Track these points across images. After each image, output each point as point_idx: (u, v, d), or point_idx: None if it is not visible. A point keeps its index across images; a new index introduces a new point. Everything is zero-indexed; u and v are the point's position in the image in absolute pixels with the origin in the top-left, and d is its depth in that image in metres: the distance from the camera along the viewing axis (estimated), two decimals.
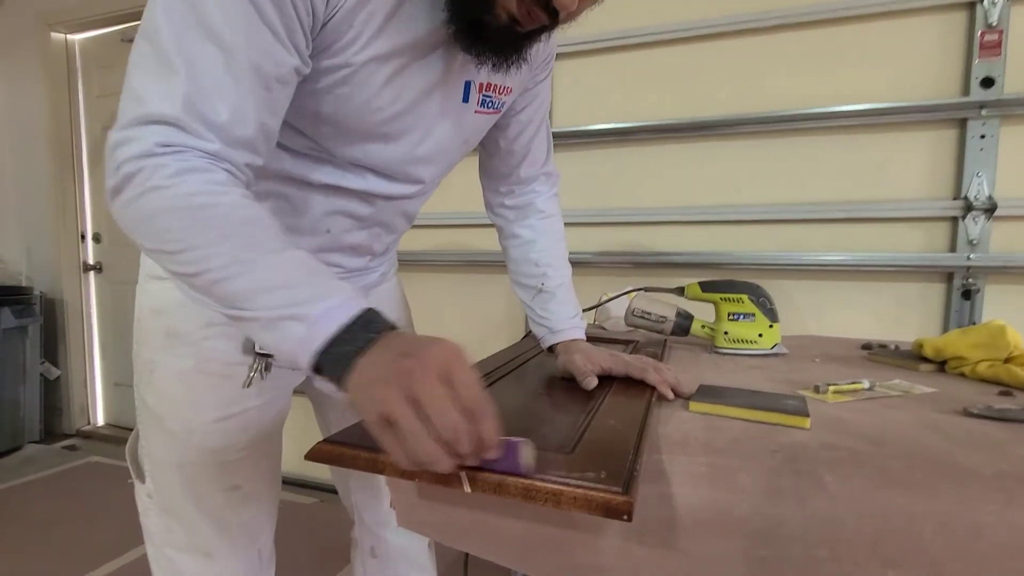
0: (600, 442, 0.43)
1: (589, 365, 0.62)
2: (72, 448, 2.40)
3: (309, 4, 0.43)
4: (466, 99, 0.59)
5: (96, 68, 2.45)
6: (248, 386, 0.61)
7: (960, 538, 0.39)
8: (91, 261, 2.52)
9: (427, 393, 0.32)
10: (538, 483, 0.35)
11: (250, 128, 0.43)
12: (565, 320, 0.73)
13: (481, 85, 0.59)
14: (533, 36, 0.49)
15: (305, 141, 0.54)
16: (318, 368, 0.38)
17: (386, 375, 0.34)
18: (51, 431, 2.53)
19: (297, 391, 0.71)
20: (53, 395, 2.53)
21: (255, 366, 0.61)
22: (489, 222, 0.82)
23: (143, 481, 0.65)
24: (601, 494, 0.34)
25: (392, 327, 0.39)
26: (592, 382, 0.60)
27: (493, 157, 0.75)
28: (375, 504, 0.82)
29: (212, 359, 0.59)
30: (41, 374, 2.45)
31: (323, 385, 0.39)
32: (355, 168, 0.57)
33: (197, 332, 0.59)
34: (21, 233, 2.53)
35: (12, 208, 2.55)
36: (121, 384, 2.56)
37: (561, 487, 0.35)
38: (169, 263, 0.41)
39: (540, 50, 0.66)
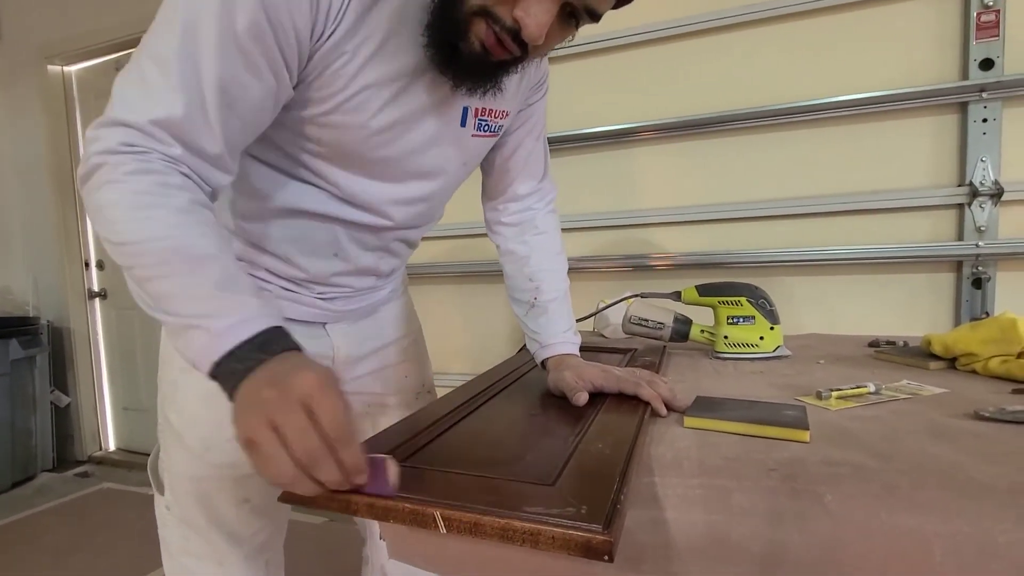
0: (585, 470, 0.41)
1: (580, 382, 0.61)
2: (85, 475, 2.41)
3: (293, 34, 0.45)
4: (464, 123, 0.62)
5: (93, 98, 2.48)
6: None
7: (973, 560, 0.36)
8: (96, 288, 2.54)
9: (284, 422, 0.35)
10: (515, 522, 0.33)
11: (216, 144, 0.46)
12: (557, 335, 0.72)
13: (477, 110, 0.62)
14: (506, 66, 0.51)
15: (308, 172, 0.57)
16: (215, 378, 0.41)
17: (254, 401, 0.37)
18: (64, 459, 2.55)
19: None
20: (64, 423, 2.55)
21: None
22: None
23: (163, 493, 0.67)
24: (580, 533, 0.32)
25: (292, 348, 0.42)
26: (582, 398, 0.59)
27: (490, 176, 0.78)
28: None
29: None
30: (51, 403, 2.47)
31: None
32: (357, 196, 0.59)
33: None
34: (27, 263, 2.56)
35: (18, 239, 2.58)
36: (130, 409, 2.57)
37: (539, 526, 0.33)
38: (113, 253, 0.44)
39: (532, 73, 0.68)
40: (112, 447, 2.63)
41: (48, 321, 2.49)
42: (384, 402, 0.79)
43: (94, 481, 2.32)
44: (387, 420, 0.77)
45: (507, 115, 0.66)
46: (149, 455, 0.71)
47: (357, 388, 0.75)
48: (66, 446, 2.56)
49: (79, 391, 2.54)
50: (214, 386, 0.55)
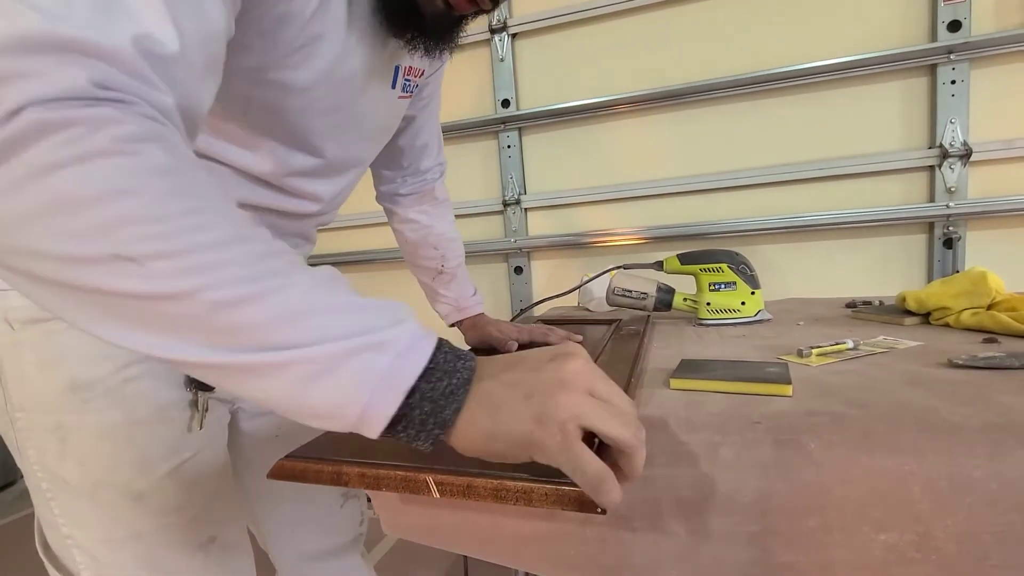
0: None
1: (503, 335, 0.70)
2: None
3: None
4: (394, 84, 0.57)
5: None
6: (201, 428, 0.53)
7: (948, 496, 0.38)
8: None
9: (601, 387, 0.30)
10: (507, 482, 0.34)
11: (207, 95, 0.33)
12: (468, 298, 0.81)
13: (406, 69, 0.57)
14: (465, 20, 0.48)
15: (230, 148, 0.49)
16: (403, 410, 0.28)
17: (539, 396, 0.29)
18: None
19: None
20: None
21: (201, 402, 0.53)
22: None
23: None
24: (573, 488, 0.32)
25: (447, 346, 0.32)
26: (513, 346, 0.68)
27: (394, 150, 0.77)
28: (298, 536, 0.73)
29: (141, 404, 0.49)
30: None
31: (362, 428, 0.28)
32: (285, 179, 0.52)
33: (113, 376, 0.47)
34: None
35: None
36: None
37: (531, 484, 0.33)
38: (116, 276, 0.25)
39: None
40: None
41: None
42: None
43: None
44: (304, 433, 0.66)
45: (422, 74, 0.61)
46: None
47: (263, 407, 0.66)
48: None
49: None
50: (122, 416, 0.47)
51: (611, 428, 0.29)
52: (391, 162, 0.79)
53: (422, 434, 0.29)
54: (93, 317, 0.26)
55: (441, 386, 0.29)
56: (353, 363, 0.27)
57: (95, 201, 0.24)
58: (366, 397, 0.27)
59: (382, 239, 1.70)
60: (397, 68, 0.56)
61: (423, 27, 0.46)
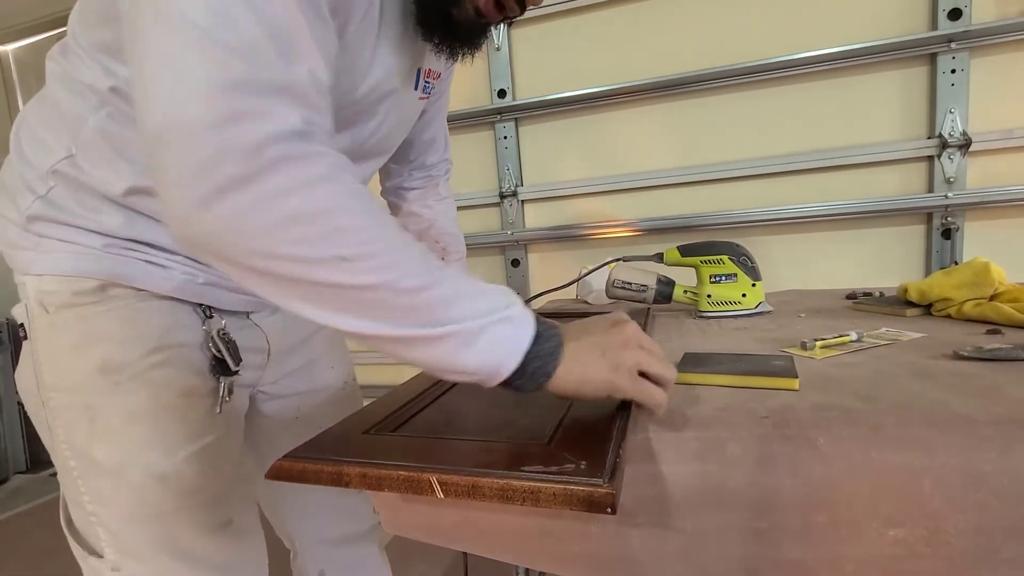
0: (581, 428, 0.41)
1: None
2: None
3: None
4: (416, 87, 0.59)
5: (34, 78, 2.32)
6: (220, 411, 0.55)
7: (959, 490, 0.37)
8: None
9: (647, 363, 0.41)
10: (514, 482, 0.33)
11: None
12: None
13: (427, 71, 0.59)
14: (492, 26, 0.52)
15: None
16: (522, 366, 0.37)
17: (608, 350, 0.40)
18: (37, 459, 2.47)
19: None
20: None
21: (223, 387, 0.55)
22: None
23: (100, 555, 0.52)
24: (581, 488, 0.31)
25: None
26: None
27: (405, 144, 0.77)
28: (320, 520, 0.76)
29: (167, 388, 0.51)
30: (18, 403, 2.38)
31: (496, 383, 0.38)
32: None
33: (142, 361, 0.50)
34: None
35: None
36: None
37: (539, 484, 0.32)
38: (335, 270, 0.33)
39: None
40: None
41: (7, 319, 2.37)
42: (315, 399, 0.73)
43: None
44: (322, 415, 0.72)
45: (439, 76, 0.63)
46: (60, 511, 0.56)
47: (285, 389, 0.69)
48: (38, 446, 2.47)
49: None
50: (148, 399, 0.50)
51: (659, 370, 0.42)
52: (399, 156, 0.79)
53: (530, 382, 0.38)
54: (312, 303, 0.34)
55: (546, 347, 0.38)
56: (490, 333, 0.36)
57: (320, 215, 0.32)
58: (499, 358, 0.37)
59: None
60: (419, 71, 0.58)
61: (454, 33, 0.50)
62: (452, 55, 0.52)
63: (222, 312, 0.56)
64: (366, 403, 0.70)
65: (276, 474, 0.38)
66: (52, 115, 0.49)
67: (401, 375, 1.48)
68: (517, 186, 1.54)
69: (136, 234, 0.49)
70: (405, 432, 0.43)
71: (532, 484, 0.32)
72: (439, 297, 0.35)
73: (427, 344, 0.35)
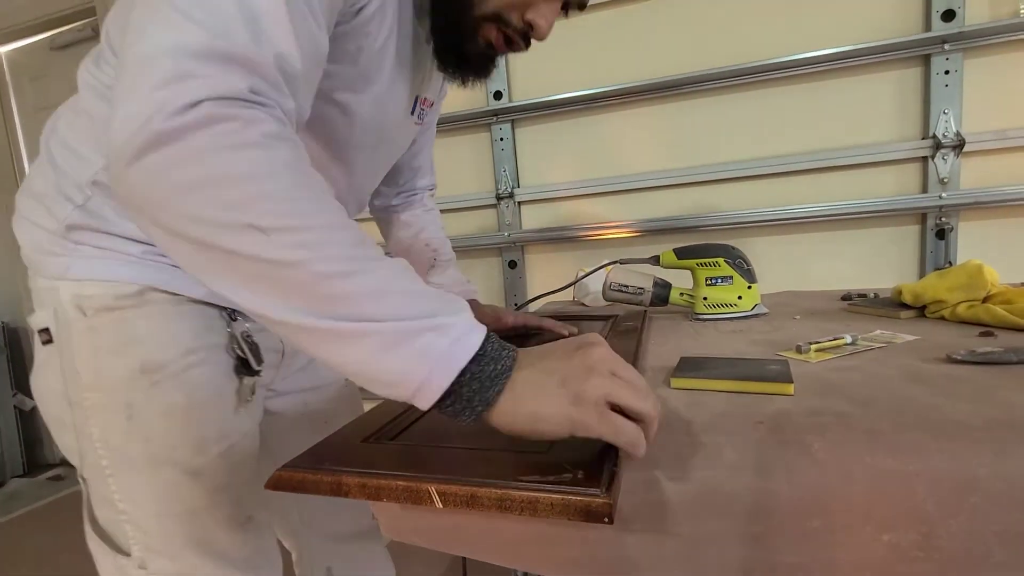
0: (578, 437, 0.41)
1: (500, 322, 0.74)
2: (58, 478, 2.34)
3: None
4: (412, 112, 0.63)
5: (28, 80, 2.31)
6: (245, 409, 0.58)
7: (952, 495, 0.38)
8: None
9: (618, 395, 0.33)
10: (512, 492, 0.33)
11: (308, 94, 0.40)
12: (463, 284, 0.86)
13: (423, 100, 0.64)
14: (499, 57, 0.56)
15: None
16: (454, 388, 0.33)
17: (569, 379, 0.34)
18: (34, 463, 2.46)
19: None
20: (31, 426, 2.45)
21: (246, 388, 0.57)
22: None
23: (128, 552, 0.53)
24: (580, 498, 0.32)
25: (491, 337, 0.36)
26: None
27: (395, 170, 0.83)
28: (329, 515, 0.77)
29: (201, 388, 0.53)
30: (15, 406, 2.37)
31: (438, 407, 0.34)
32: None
33: (179, 361, 0.52)
34: None
35: None
36: None
37: (536, 494, 0.32)
38: (247, 240, 0.31)
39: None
40: None
41: (3, 322, 2.36)
42: (319, 395, 0.75)
43: (68, 484, 2.25)
44: (327, 410, 0.75)
45: (432, 105, 0.69)
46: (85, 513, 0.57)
47: (291, 386, 0.71)
48: (35, 450, 2.47)
49: None
50: (185, 397, 0.51)
51: (634, 403, 0.34)
52: (388, 179, 0.84)
53: (467, 410, 0.34)
54: (220, 274, 0.32)
55: (488, 370, 0.33)
56: (419, 341, 0.32)
57: (241, 180, 0.31)
58: (426, 372, 0.32)
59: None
60: (417, 98, 0.63)
61: (467, 63, 0.54)
62: (463, 82, 0.57)
63: (243, 316, 0.58)
64: (364, 405, 0.71)
65: (276, 484, 0.38)
66: (87, 126, 0.50)
67: None
68: (514, 188, 1.54)
69: None
70: (404, 440, 0.43)
71: (530, 494, 0.32)
72: (364, 288, 0.31)
73: (339, 341, 0.32)
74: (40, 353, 0.54)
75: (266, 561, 0.60)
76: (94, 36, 2.09)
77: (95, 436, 0.51)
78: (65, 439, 0.54)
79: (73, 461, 0.55)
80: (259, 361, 0.57)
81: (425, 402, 0.33)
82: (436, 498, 0.34)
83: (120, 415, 0.51)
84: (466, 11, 0.49)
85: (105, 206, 0.50)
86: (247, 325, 0.57)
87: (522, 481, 0.33)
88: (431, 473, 0.35)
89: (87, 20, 2.10)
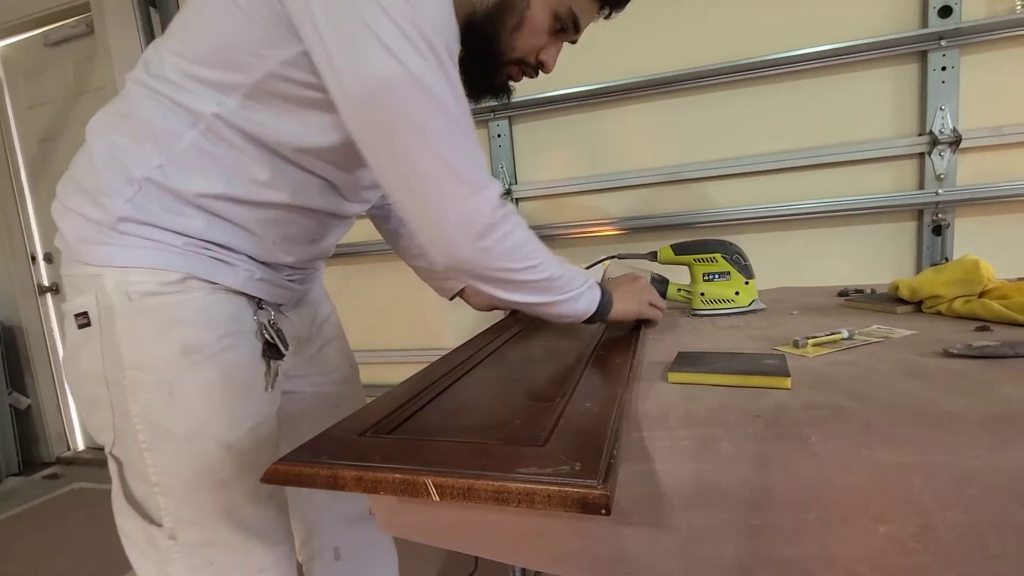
0: (576, 429, 0.41)
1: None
2: (54, 476, 2.32)
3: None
4: None
5: (22, 77, 2.29)
6: (269, 390, 0.63)
7: (949, 487, 0.38)
8: (46, 283, 2.40)
9: (654, 299, 0.76)
10: (509, 484, 0.33)
11: None
12: None
13: None
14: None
15: (323, 166, 0.60)
16: (597, 311, 0.65)
17: (633, 299, 0.73)
18: (30, 462, 2.45)
19: None
20: (27, 425, 2.44)
21: (271, 369, 0.63)
22: None
23: (160, 523, 0.57)
24: (576, 489, 0.32)
25: None
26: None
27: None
28: (341, 501, 0.81)
29: (235, 369, 0.58)
30: (10, 405, 2.36)
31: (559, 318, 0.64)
32: (350, 195, 0.66)
33: (216, 344, 0.57)
34: None
35: None
36: None
37: (534, 486, 0.32)
38: (531, 273, 0.56)
39: None
40: (81, 446, 2.54)
41: None
42: (329, 379, 0.80)
43: (64, 482, 2.24)
44: (336, 393, 0.80)
45: None
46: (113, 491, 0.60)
47: (303, 371, 0.75)
48: (31, 449, 2.46)
49: (40, 391, 2.42)
50: (220, 377, 0.58)
51: (659, 302, 0.77)
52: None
53: (601, 316, 0.66)
54: (513, 292, 0.57)
55: (607, 297, 0.67)
56: (587, 294, 0.64)
57: (524, 244, 0.56)
58: (590, 306, 0.64)
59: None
60: None
61: (491, 92, 0.68)
62: (479, 102, 0.70)
63: (269, 304, 0.64)
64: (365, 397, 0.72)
65: (271, 478, 0.38)
66: (139, 128, 0.55)
67: (400, 374, 1.49)
68: (511, 184, 1.54)
69: (213, 236, 0.57)
70: (400, 434, 0.43)
71: (527, 486, 0.32)
72: (567, 278, 0.60)
73: (560, 303, 0.61)
74: (75, 337, 0.57)
75: (284, 538, 0.64)
76: (89, 32, 2.08)
77: (134, 412, 0.55)
78: (98, 418, 0.57)
79: (102, 440, 0.58)
80: (285, 346, 0.63)
81: (586, 317, 0.65)
82: (433, 491, 0.34)
83: (162, 392, 0.55)
84: (498, 57, 0.63)
85: (151, 201, 0.54)
86: (272, 313, 0.64)
87: (519, 473, 0.33)
88: (428, 466, 0.35)
89: (81, 16, 2.08)
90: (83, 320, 0.56)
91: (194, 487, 0.56)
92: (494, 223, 0.52)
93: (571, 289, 0.61)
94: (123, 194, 0.54)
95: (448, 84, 0.49)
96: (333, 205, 0.64)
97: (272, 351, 0.62)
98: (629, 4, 0.69)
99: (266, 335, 0.62)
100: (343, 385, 0.82)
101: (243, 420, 0.59)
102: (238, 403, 0.58)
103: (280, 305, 0.68)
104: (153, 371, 0.55)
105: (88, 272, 0.55)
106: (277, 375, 0.64)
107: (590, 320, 0.65)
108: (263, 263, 0.62)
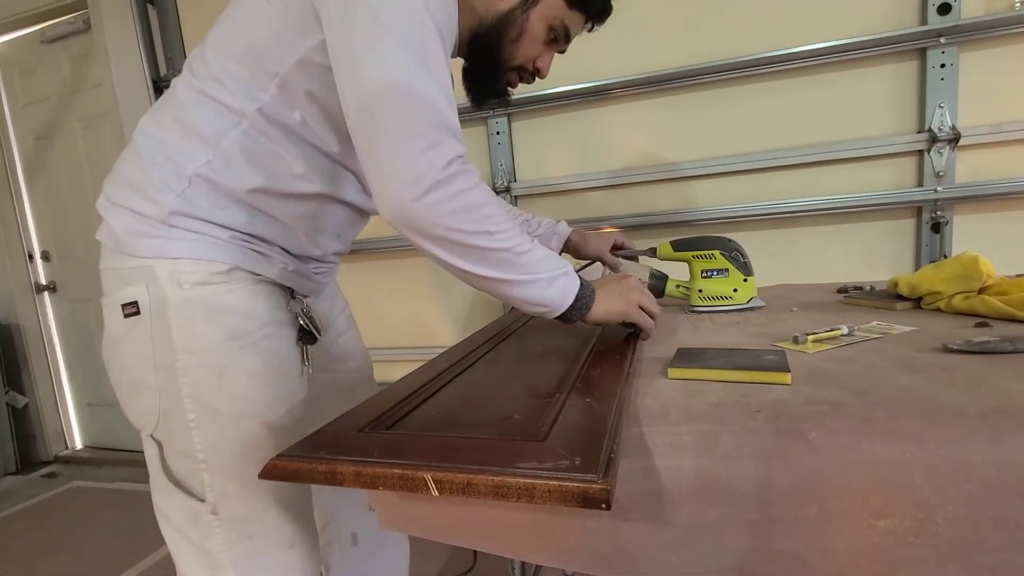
0: (575, 424, 0.41)
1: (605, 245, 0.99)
2: (52, 475, 2.32)
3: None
4: None
5: (18, 74, 2.28)
6: (306, 370, 0.68)
7: (949, 482, 0.38)
8: (43, 281, 2.40)
9: (644, 302, 0.65)
10: (509, 479, 0.33)
11: None
12: (557, 224, 1.01)
13: None
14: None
15: (355, 161, 0.62)
16: (574, 304, 0.59)
17: (620, 298, 0.64)
18: (28, 460, 2.44)
19: None
20: (25, 424, 2.44)
21: (306, 354, 0.68)
22: None
23: (203, 499, 0.60)
24: (576, 484, 0.31)
25: None
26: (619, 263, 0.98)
27: None
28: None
29: (274, 354, 0.63)
30: (7, 404, 2.35)
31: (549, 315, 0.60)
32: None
33: (258, 331, 0.61)
34: None
35: None
36: (95, 405, 2.47)
37: (534, 481, 0.32)
38: (485, 240, 0.53)
39: None
40: (79, 445, 2.53)
41: None
42: (345, 365, 0.84)
43: (62, 481, 2.24)
44: (352, 379, 0.84)
45: None
46: (152, 467, 0.62)
47: (322, 357, 0.78)
48: (29, 448, 2.45)
49: (37, 390, 2.42)
50: (262, 363, 0.62)
51: (650, 306, 0.66)
52: None
53: (578, 313, 0.60)
54: (465, 259, 0.54)
55: (586, 292, 0.61)
56: (560, 281, 0.58)
57: (479, 206, 0.53)
58: (564, 297, 0.59)
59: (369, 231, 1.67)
60: None
61: (490, 97, 0.73)
62: (480, 107, 0.75)
63: (301, 295, 0.69)
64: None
65: (270, 473, 0.38)
66: (186, 129, 0.59)
67: (399, 372, 1.48)
68: (510, 182, 1.54)
69: (255, 230, 0.61)
70: (399, 430, 0.43)
71: (527, 481, 0.32)
72: (535, 258, 0.56)
73: (526, 284, 0.56)
74: (119, 325, 0.59)
75: (310, 517, 0.68)
76: (85, 29, 2.07)
77: (184, 393, 0.58)
78: (142, 402, 0.60)
79: (143, 423, 0.61)
80: (319, 331, 0.68)
81: (559, 312, 0.59)
82: (432, 486, 0.34)
83: (213, 374, 0.59)
84: (500, 64, 0.68)
85: (200, 196, 0.58)
86: (304, 302, 0.69)
87: (519, 468, 0.33)
88: (427, 461, 0.35)
89: (78, 13, 2.07)
90: (131, 309, 0.59)
91: (239, 462, 0.59)
92: (444, 179, 0.50)
93: (538, 271, 0.56)
94: (174, 189, 0.58)
95: (432, 47, 0.52)
96: (360, 200, 0.68)
97: (307, 336, 0.67)
98: (624, 4, 0.73)
99: (302, 321, 0.67)
100: (358, 373, 0.86)
101: (281, 402, 0.63)
102: (277, 386, 0.63)
103: (306, 297, 0.71)
104: (204, 355, 0.59)
105: (138, 264, 0.58)
106: (310, 360, 0.69)
107: (568, 316, 0.60)
108: (295, 256, 0.66)
